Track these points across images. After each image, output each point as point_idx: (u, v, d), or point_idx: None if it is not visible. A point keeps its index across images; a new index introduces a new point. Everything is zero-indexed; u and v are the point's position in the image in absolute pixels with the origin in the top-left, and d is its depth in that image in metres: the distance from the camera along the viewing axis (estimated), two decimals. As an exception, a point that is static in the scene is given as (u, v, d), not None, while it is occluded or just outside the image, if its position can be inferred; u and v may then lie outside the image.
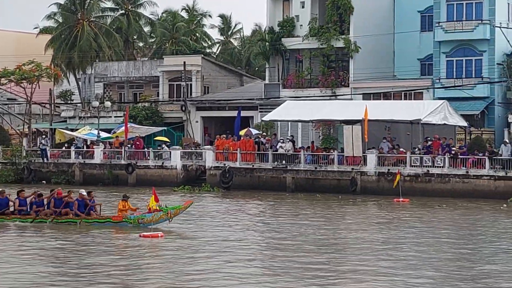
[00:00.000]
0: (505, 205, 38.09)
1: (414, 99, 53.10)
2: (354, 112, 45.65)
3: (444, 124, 45.75)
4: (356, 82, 56.25)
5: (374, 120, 44.76)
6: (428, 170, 42.90)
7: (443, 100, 47.27)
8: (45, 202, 29.58)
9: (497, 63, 53.11)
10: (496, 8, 52.90)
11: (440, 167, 42.73)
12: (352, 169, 44.67)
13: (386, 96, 54.85)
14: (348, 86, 56.57)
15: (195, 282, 19.11)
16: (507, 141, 44.16)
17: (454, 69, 53.95)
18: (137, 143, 52.59)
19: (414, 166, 43.40)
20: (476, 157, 42.31)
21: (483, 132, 51.77)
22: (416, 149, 44.64)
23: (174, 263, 21.61)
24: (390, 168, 43.57)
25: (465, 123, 47.61)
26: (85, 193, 29.42)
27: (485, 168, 41.67)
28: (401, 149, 45.34)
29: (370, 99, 52.56)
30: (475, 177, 41.80)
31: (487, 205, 37.86)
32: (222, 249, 24.14)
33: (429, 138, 45.16)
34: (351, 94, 55.56)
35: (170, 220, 28.15)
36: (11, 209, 29.77)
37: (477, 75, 53.33)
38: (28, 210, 29.58)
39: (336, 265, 21.54)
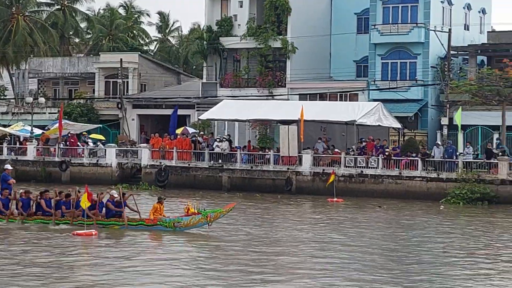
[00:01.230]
0: (442, 206, 38.67)
1: (349, 100, 53.62)
2: (291, 112, 45.94)
3: (379, 125, 46.34)
4: (293, 82, 56.60)
5: (310, 121, 45.10)
6: (362, 171, 43.38)
7: (378, 102, 47.86)
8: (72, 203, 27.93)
9: (431, 66, 53.97)
10: (431, 12, 53.74)
11: (373, 168, 43.25)
12: (288, 169, 44.93)
13: (322, 97, 55.29)
14: (285, 86, 56.89)
15: (120, 281, 18.96)
16: (440, 143, 44.95)
17: (389, 71, 54.67)
18: (72, 140, 52.01)
19: (349, 166, 43.83)
20: (409, 158, 42.94)
21: (416, 134, 52.54)
22: (351, 150, 45.13)
23: (102, 262, 21.41)
24: (325, 168, 43.94)
25: (398, 125, 48.27)
26: (116, 195, 27.68)
27: (417, 170, 42.32)
28: (336, 150, 45.77)
29: (307, 100, 52.92)
30: (407, 178, 42.42)
31: (422, 206, 38.38)
32: (154, 248, 24.02)
33: (363, 139, 45.68)
34: (287, 94, 55.89)
35: (210, 224, 26.72)
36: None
37: (411, 77, 54.13)
38: (53, 211, 27.90)
39: (268, 264, 21.63)
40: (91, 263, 21.45)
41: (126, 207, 27.79)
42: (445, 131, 48.98)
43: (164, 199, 28.40)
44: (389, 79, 54.55)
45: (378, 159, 43.21)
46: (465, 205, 39.02)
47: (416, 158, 42.62)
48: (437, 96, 54.47)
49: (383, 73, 54.74)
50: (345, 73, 56.94)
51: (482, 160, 42.44)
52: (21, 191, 29.27)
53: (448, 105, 49.53)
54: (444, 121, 49.31)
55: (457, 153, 42.71)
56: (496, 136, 49.04)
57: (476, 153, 46.42)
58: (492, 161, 41.29)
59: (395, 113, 49.97)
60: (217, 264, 21.43)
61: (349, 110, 46.14)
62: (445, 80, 50.21)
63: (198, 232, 26.95)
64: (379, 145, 44.43)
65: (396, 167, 42.93)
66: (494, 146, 45.12)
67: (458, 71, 55.45)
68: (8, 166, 32.09)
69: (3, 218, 28.07)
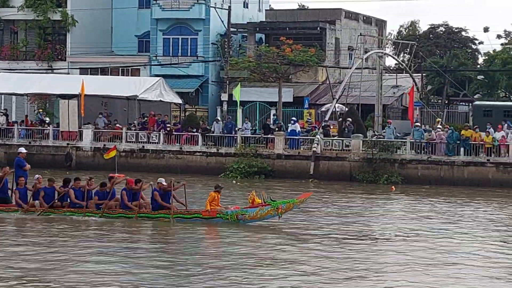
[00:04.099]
0: (234, 181, 39.40)
1: (131, 76, 53.63)
2: (71, 86, 45.26)
3: (160, 100, 46.65)
4: (74, 56, 55.71)
5: (90, 95, 44.56)
6: (143, 146, 43.55)
7: (159, 77, 48.15)
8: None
9: (211, 43, 54.91)
10: (212, -11, 54.64)
11: (155, 143, 43.55)
12: (68, 144, 44.29)
13: (104, 71, 54.91)
14: (65, 60, 55.99)
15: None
16: (219, 118, 45.95)
17: (171, 47, 55.08)
18: None
19: (130, 142, 43.87)
20: (189, 133, 43.58)
21: (197, 109, 53.43)
22: (132, 125, 45.15)
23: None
24: (106, 143, 43.70)
25: (180, 100, 48.79)
26: (165, 183, 24.47)
27: (198, 145, 43.08)
28: (118, 125, 45.60)
29: (88, 74, 52.26)
30: (188, 153, 43.08)
31: (211, 180, 38.80)
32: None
33: (145, 114, 45.83)
34: (68, 68, 55.05)
35: (280, 216, 23.90)
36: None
37: (192, 53, 54.85)
38: (86, 202, 24.57)
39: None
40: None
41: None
42: (225, 107, 50.06)
43: (222, 187, 24.94)
44: (170, 54, 54.98)
45: (159, 134, 43.53)
46: (243, 179, 40.12)
47: (196, 134, 43.33)
48: (217, 73, 55.55)
49: (165, 48, 55.06)
50: (127, 48, 56.73)
51: (260, 135, 43.82)
52: (37, 177, 25.22)
53: (227, 82, 50.62)
54: (224, 97, 50.39)
55: (236, 129, 43.83)
56: (273, 112, 50.81)
57: (254, 128, 47.87)
58: (269, 136, 42.72)
59: (176, 88, 50.45)
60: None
61: (131, 85, 46.14)
62: (225, 57, 51.25)
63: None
64: (160, 121, 44.73)
65: (177, 142, 43.47)
66: (271, 121, 46.70)
67: (238, 48, 56.88)
68: (22, 149, 27.17)
69: (24, 211, 24.54)
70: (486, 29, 61.60)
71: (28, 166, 26.12)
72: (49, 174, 40.09)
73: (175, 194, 24.56)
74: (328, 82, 51.80)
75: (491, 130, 39.26)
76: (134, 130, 44.45)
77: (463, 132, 39.52)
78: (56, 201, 24.74)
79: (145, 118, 45.37)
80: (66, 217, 24.28)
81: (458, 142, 39.05)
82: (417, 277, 17.58)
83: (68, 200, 24.84)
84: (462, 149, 38.91)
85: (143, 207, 24.43)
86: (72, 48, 55.80)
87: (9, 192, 25.49)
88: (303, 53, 51.22)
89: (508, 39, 58.69)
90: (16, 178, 25.34)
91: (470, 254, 20.38)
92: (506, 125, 40.36)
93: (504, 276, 17.84)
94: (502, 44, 58.92)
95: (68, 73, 53.71)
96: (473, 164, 38.87)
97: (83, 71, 53.97)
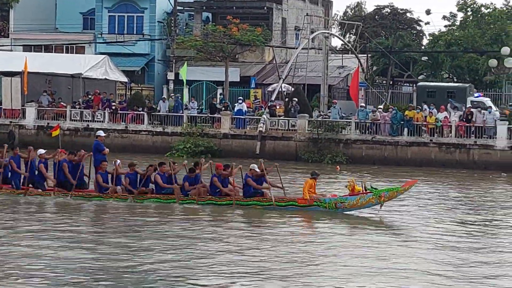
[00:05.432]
0: (186, 161, 38.95)
1: (76, 53, 53.06)
2: (14, 63, 44.75)
3: (105, 79, 46.29)
4: (17, 33, 54.94)
5: (34, 73, 44.07)
6: (88, 125, 43.19)
7: (104, 55, 47.74)
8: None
9: (158, 21, 54.55)
10: (152, -33, 54.27)
11: (100, 121, 43.23)
12: (11, 122, 43.76)
13: (48, 49, 54.31)
14: (8, 37, 55.20)
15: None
16: (166, 97, 45.74)
17: (116, 25, 54.59)
18: None
19: (75, 120, 43.50)
20: (135, 112, 43.33)
21: (143, 88, 53.09)
22: (77, 103, 44.73)
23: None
24: (50, 122, 43.27)
25: (125, 79, 48.48)
26: (257, 169, 23.43)
27: (143, 124, 42.87)
28: (62, 103, 45.16)
29: (31, 51, 51.61)
30: (134, 132, 42.87)
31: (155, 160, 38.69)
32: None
33: (90, 93, 45.40)
34: (11, 45, 54.28)
35: (382, 205, 22.76)
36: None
37: (138, 31, 54.45)
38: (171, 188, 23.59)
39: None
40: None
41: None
42: (171, 85, 49.83)
43: (319, 174, 24.03)
44: (116, 32, 54.49)
45: (104, 113, 43.20)
46: (189, 158, 39.95)
47: (142, 112, 43.11)
48: (163, 51, 55.23)
49: (110, 26, 54.55)
50: (72, 25, 56.06)
51: (206, 115, 43.78)
52: (118, 162, 24.21)
53: (174, 60, 50.37)
54: (170, 76, 50.12)
55: (183, 108, 43.68)
56: (220, 91, 50.70)
57: (200, 107, 47.77)
58: (215, 115, 42.69)
59: (122, 67, 50.08)
60: None
61: (75, 63, 45.79)
62: (171, 35, 50.95)
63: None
64: (105, 99, 44.39)
65: (122, 121, 43.19)
66: (218, 101, 46.64)
67: (184, 27, 56.59)
68: (101, 133, 25.85)
69: (105, 197, 23.77)
70: (428, 12, 62.10)
71: (107, 150, 25.04)
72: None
73: (268, 179, 23.56)
74: (274, 62, 51.84)
75: (434, 110, 39.80)
76: (79, 108, 44.05)
77: (407, 112, 39.97)
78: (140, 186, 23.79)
79: (90, 97, 44.96)
80: (151, 204, 23.49)
81: (402, 122, 39.50)
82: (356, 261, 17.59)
83: (152, 186, 24.00)
84: (405, 129, 39.39)
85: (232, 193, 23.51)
86: (15, 24, 55.01)
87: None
88: (250, 32, 51.16)
89: (451, 21, 59.25)
90: (95, 163, 24.46)
91: (409, 240, 20.30)
92: (449, 104, 40.96)
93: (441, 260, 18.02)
94: (446, 26, 59.51)
95: (11, 50, 52.92)
96: (417, 144, 39.38)
97: (27, 48, 53.27)
